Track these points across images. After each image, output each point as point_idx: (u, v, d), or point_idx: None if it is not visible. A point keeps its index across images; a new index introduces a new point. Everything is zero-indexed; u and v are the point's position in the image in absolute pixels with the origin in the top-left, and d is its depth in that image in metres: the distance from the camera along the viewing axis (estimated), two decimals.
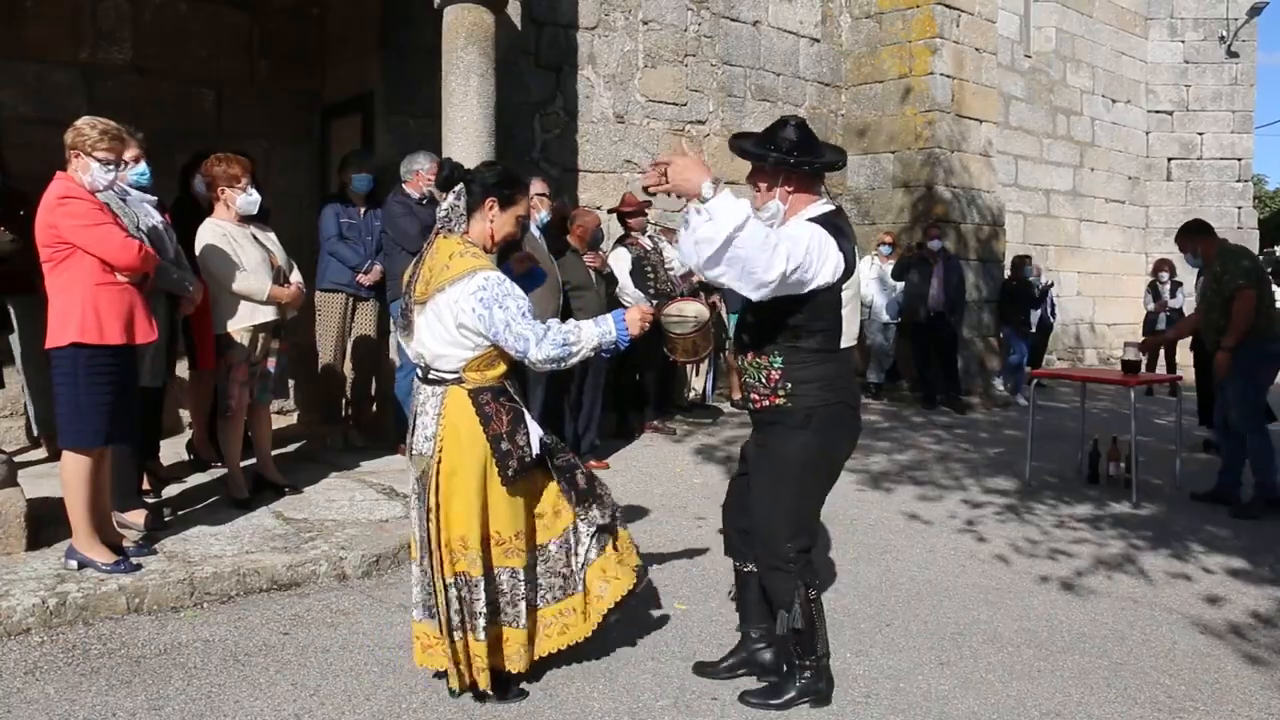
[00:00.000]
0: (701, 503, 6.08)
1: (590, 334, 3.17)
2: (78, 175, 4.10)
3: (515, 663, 3.27)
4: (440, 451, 3.16)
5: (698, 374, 9.37)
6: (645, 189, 3.11)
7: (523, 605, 3.26)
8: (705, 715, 3.24)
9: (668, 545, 5.15)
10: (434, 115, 6.26)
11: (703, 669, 3.56)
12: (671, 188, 2.96)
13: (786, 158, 3.09)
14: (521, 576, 3.26)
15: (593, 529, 3.37)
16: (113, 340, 4.06)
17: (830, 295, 3.09)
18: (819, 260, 2.97)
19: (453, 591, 3.17)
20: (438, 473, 3.16)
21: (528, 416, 3.26)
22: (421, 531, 3.25)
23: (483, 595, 3.17)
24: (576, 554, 3.36)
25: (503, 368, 3.23)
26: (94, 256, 4.03)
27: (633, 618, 4.08)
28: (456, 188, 3.28)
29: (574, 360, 3.17)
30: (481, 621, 3.17)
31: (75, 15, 6.89)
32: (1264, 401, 6.22)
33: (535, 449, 3.22)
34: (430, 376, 3.23)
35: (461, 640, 3.20)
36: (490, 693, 3.23)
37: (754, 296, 2.94)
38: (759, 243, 2.81)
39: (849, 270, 3.11)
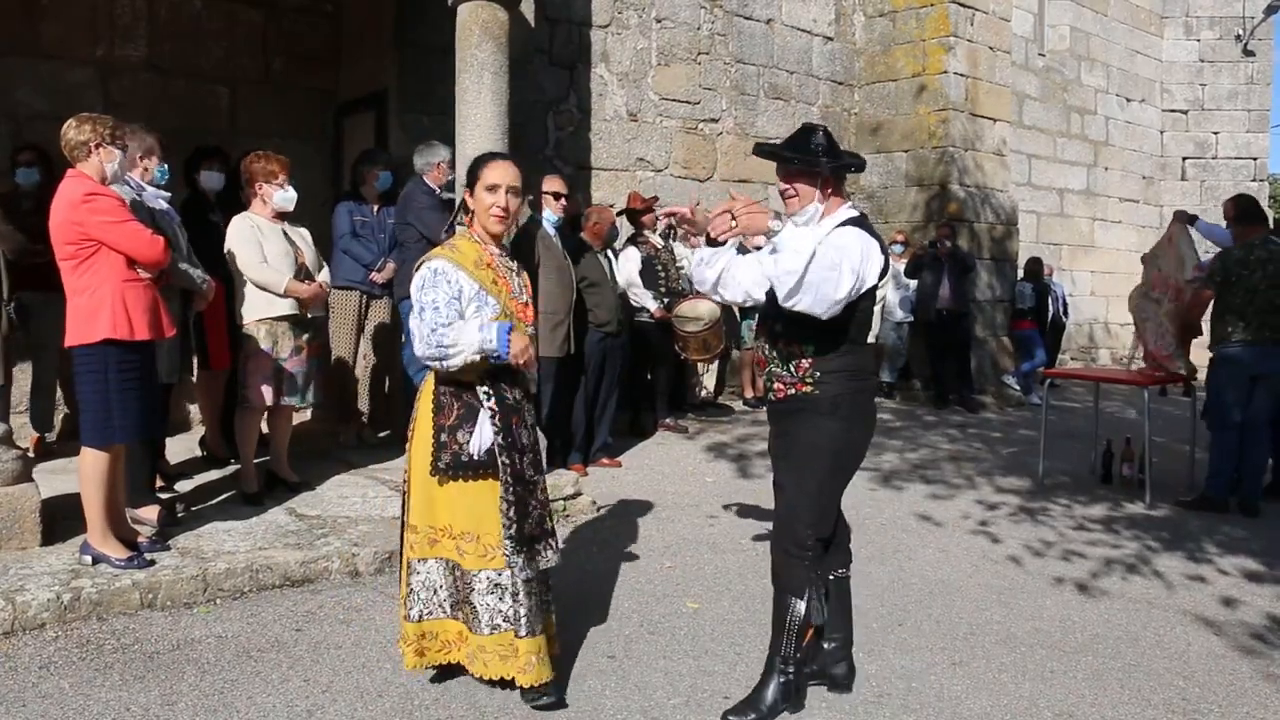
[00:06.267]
0: (714, 501, 6.07)
1: (471, 339, 3.03)
2: (90, 170, 4.11)
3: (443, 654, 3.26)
4: (411, 437, 3.25)
5: (709, 372, 9.36)
6: (716, 239, 3.15)
7: (445, 603, 3.21)
8: (718, 714, 3.23)
9: (680, 543, 5.15)
10: (448, 113, 6.25)
11: None
12: (744, 229, 3.07)
13: (832, 162, 3.16)
14: (474, 582, 3.14)
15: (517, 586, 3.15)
16: (142, 336, 4.12)
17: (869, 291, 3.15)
18: (868, 265, 3.04)
19: (403, 573, 3.25)
20: (410, 457, 3.24)
21: (483, 418, 3.14)
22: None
23: (420, 580, 3.21)
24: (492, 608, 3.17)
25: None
26: (120, 253, 4.06)
27: (644, 616, 4.08)
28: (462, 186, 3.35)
29: (454, 361, 3.04)
30: (418, 606, 3.22)
31: (92, 13, 6.92)
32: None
33: (477, 452, 3.12)
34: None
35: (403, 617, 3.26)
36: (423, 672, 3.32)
37: (824, 316, 2.97)
38: (827, 265, 2.92)
39: (885, 269, 3.16)
